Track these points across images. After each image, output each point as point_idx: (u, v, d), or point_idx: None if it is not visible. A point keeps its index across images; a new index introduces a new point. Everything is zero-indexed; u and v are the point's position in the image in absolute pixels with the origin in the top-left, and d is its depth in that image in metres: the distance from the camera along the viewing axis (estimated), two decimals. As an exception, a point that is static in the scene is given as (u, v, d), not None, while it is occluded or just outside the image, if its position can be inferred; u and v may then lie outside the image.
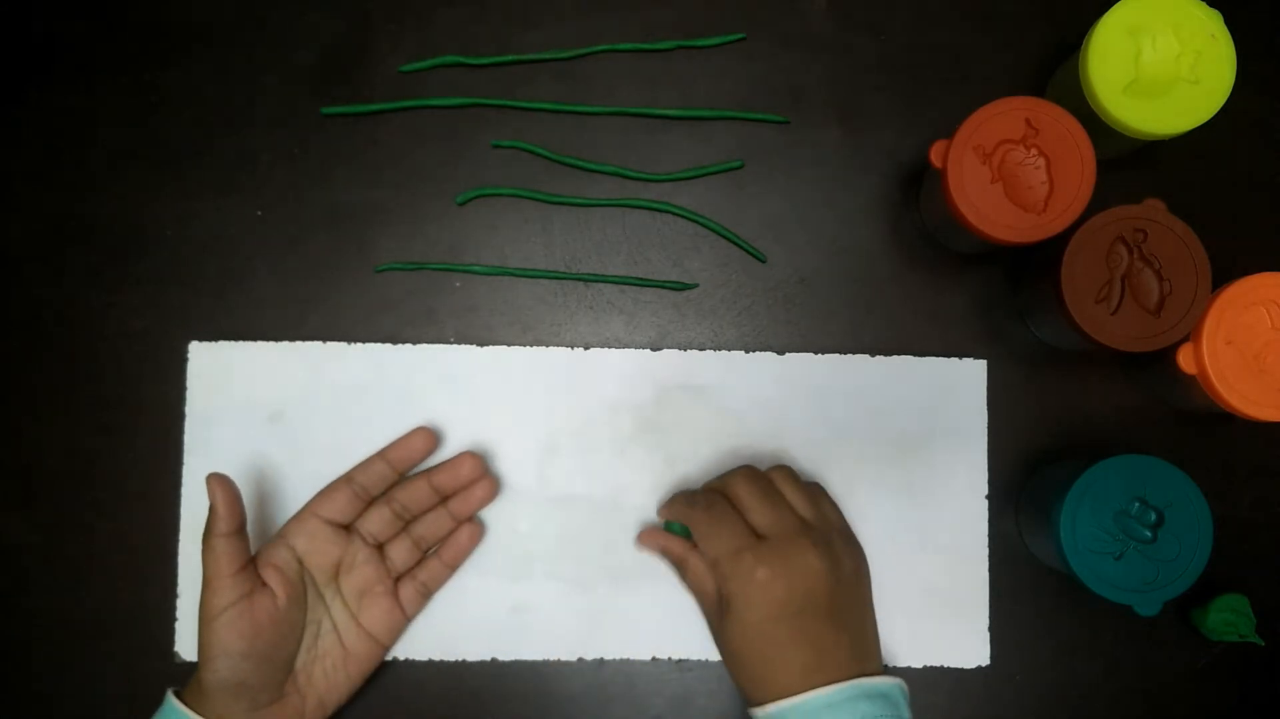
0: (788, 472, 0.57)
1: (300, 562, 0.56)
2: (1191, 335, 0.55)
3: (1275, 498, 0.63)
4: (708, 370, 0.62)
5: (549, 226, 0.63)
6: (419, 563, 0.59)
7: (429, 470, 0.59)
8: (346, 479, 0.58)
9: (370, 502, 0.58)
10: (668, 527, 0.59)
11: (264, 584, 0.55)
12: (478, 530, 0.60)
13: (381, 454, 0.59)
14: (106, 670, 0.61)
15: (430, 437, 0.60)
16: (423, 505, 0.59)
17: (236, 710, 0.53)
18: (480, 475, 0.59)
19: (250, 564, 0.55)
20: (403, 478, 0.60)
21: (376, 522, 0.58)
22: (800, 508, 0.55)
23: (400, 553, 0.59)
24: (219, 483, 0.54)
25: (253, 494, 0.61)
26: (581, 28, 0.64)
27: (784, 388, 0.62)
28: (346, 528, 0.58)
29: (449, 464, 0.59)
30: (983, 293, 0.63)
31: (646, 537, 0.59)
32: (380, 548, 0.59)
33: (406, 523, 0.59)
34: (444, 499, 0.60)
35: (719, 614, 0.55)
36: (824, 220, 0.64)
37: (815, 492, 0.57)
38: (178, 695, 0.54)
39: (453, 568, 0.60)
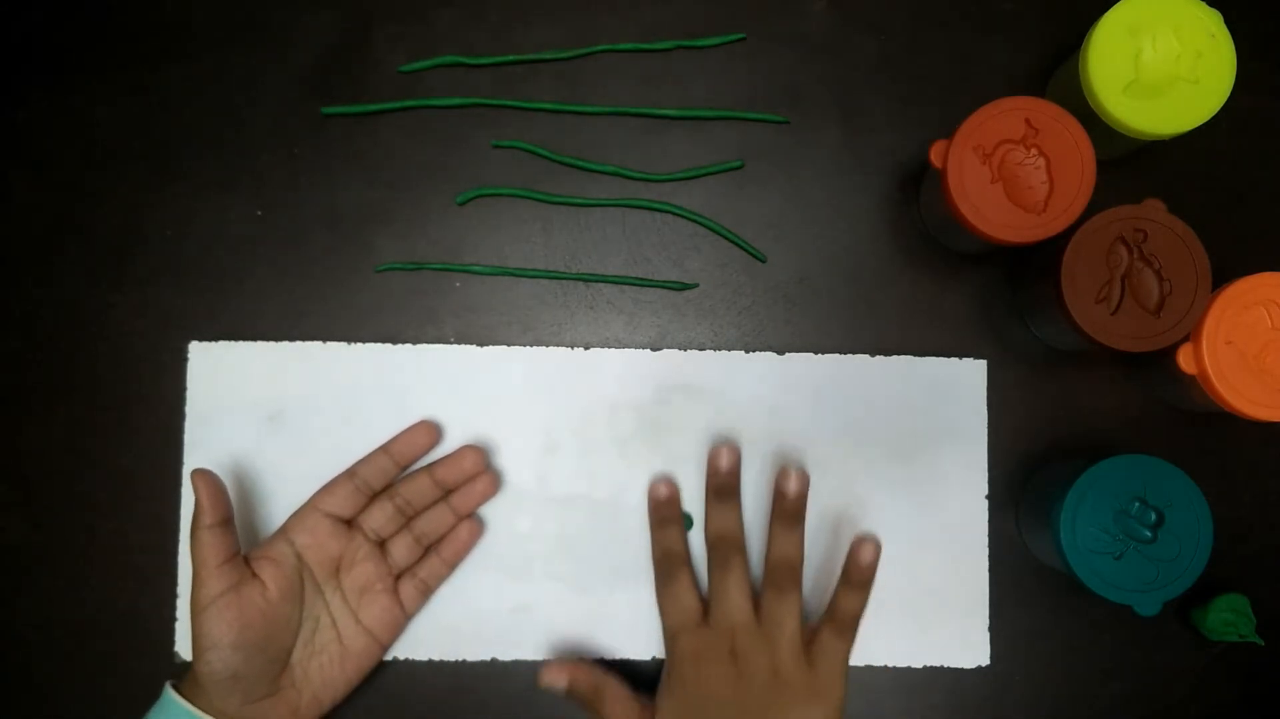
0: (786, 566, 0.56)
1: (299, 556, 0.57)
2: (1191, 335, 0.55)
3: (1275, 498, 0.63)
4: (708, 370, 0.62)
5: (549, 226, 0.63)
6: (419, 560, 0.60)
7: (431, 464, 0.60)
8: (349, 474, 0.58)
9: (372, 496, 0.59)
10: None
11: (254, 576, 0.55)
12: (477, 528, 0.60)
13: (384, 448, 0.59)
14: (106, 670, 0.61)
15: (433, 430, 0.60)
16: (425, 500, 0.59)
17: (231, 703, 0.54)
18: (481, 469, 0.60)
19: (238, 556, 0.55)
20: (404, 472, 0.60)
21: (378, 517, 0.58)
22: (770, 600, 0.56)
23: (401, 549, 0.59)
24: (202, 477, 0.54)
25: (252, 494, 0.61)
26: (581, 28, 0.64)
27: (784, 388, 0.62)
28: (349, 523, 0.58)
29: (451, 458, 0.60)
30: (983, 293, 0.63)
31: (550, 674, 0.57)
32: (381, 544, 0.59)
33: (408, 519, 0.59)
34: (446, 494, 0.60)
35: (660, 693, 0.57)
36: (824, 220, 0.64)
37: (792, 598, 0.56)
38: (175, 689, 0.54)
39: (452, 565, 0.60)
